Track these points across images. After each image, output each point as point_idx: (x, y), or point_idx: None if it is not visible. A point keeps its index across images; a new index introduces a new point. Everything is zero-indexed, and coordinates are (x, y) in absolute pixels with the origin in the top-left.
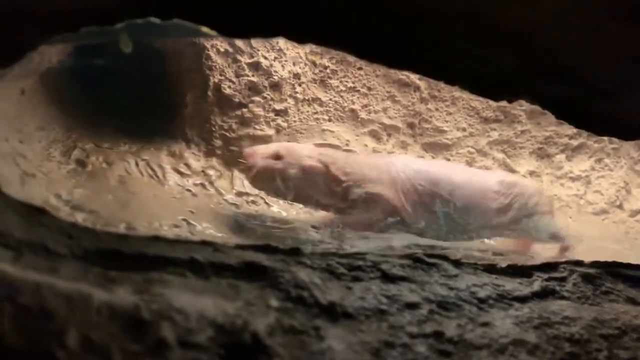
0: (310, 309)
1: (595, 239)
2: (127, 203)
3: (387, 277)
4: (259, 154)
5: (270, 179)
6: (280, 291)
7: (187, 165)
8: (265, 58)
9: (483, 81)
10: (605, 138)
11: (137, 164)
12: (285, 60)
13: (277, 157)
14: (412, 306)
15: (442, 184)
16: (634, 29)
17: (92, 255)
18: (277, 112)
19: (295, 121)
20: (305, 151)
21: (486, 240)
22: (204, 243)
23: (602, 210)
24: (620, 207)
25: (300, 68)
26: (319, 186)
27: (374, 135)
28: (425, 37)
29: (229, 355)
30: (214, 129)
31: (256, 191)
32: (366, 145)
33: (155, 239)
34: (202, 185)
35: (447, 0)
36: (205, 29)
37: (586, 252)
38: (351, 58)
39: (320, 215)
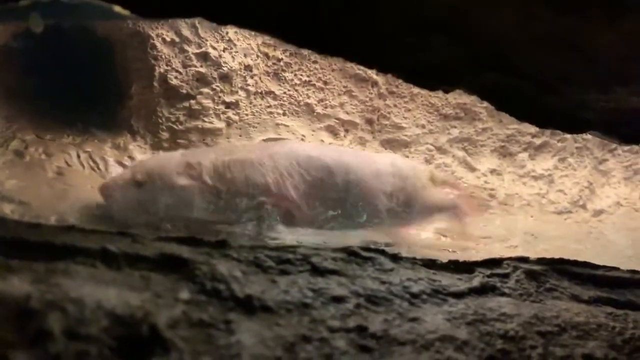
0: (225, 302)
1: (556, 238)
2: (62, 195)
3: (317, 271)
4: (116, 185)
5: (139, 211)
6: (195, 284)
7: (132, 158)
8: (214, 48)
9: (417, 70)
10: (569, 137)
11: (78, 156)
12: (236, 52)
13: (138, 184)
14: (338, 300)
15: (334, 171)
16: (569, 17)
17: None
18: (228, 105)
19: (247, 114)
20: (169, 166)
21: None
22: (122, 234)
23: (565, 209)
24: (583, 207)
25: (252, 60)
26: (196, 204)
27: (331, 130)
28: (356, 22)
29: (122, 348)
30: (160, 121)
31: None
32: (322, 141)
33: (69, 228)
34: None
35: None
36: (118, 9)
37: (546, 251)
38: (306, 51)
39: None
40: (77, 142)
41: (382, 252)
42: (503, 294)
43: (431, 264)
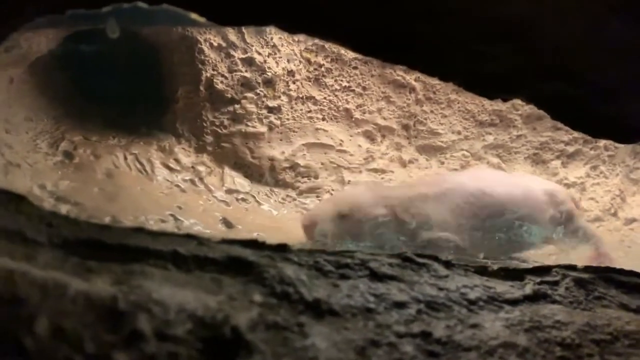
0: (295, 305)
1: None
2: (113, 196)
3: (376, 276)
4: (320, 221)
5: (341, 239)
6: (265, 287)
7: (177, 161)
8: (259, 54)
9: (478, 78)
10: (601, 145)
11: (125, 158)
12: (280, 57)
13: (342, 217)
14: (400, 305)
15: (503, 205)
16: (637, 26)
17: (72, 244)
18: (270, 109)
19: (288, 119)
20: (367, 200)
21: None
22: (188, 236)
23: (597, 217)
24: (614, 215)
25: (294, 65)
26: (387, 234)
27: (368, 135)
28: (421, 32)
29: (208, 349)
30: (205, 125)
31: (247, 189)
32: (360, 146)
33: (138, 230)
34: (192, 181)
35: None
36: (194, 16)
37: (581, 260)
38: (346, 57)
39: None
40: (123, 144)
41: (435, 259)
42: (555, 302)
43: (483, 270)
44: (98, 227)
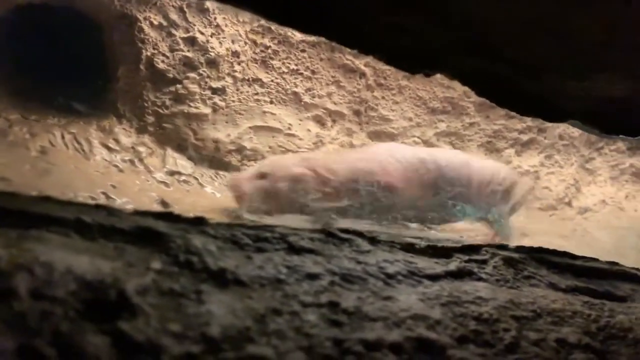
0: (197, 274)
1: (541, 233)
2: (44, 173)
3: (293, 249)
4: (243, 180)
5: (262, 200)
6: (169, 256)
7: (116, 141)
8: (202, 33)
9: (398, 52)
10: (556, 134)
11: (63, 137)
12: (224, 37)
13: (262, 176)
14: (312, 277)
15: (427, 159)
16: (564, 4)
17: None
18: (214, 91)
19: (234, 101)
20: (289, 161)
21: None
22: (98, 207)
23: (550, 206)
24: (569, 204)
25: (239, 46)
26: (310, 192)
27: (318, 120)
28: (341, 2)
29: (88, 311)
30: (146, 105)
31: (189, 171)
32: (309, 130)
33: (45, 199)
34: (131, 161)
35: None
36: None
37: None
38: (294, 39)
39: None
40: (62, 124)
41: (360, 234)
42: (480, 279)
43: (409, 247)
44: (3, 194)
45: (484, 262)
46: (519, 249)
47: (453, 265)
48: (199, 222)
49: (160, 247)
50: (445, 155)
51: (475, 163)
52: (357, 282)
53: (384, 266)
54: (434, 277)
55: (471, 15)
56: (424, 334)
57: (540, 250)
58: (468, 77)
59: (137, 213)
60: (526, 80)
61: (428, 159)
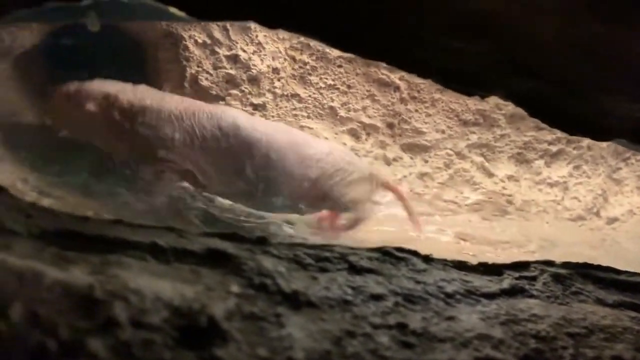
0: (273, 296)
1: (571, 244)
2: (97, 191)
3: (354, 269)
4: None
5: (67, 116)
6: (243, 278)
7: None
8: (244, 51)
9: (455, 75)
10: (584, 145)
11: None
12: (265, 55)
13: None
14: (377, 297)
15: (256, 147)
16: (611, 27)
17: (50, 235)
18: (255, 107)
19: (273, 116)
20: (90, 90)
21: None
22: (168, 229)
23: (579, 216)
24: (597, 214)
25: (279, 63)
26: (98, 133)
27: (353, 133)
28: (398, 28)
29: (184, 338)
30: None
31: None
32: (345, 143)
33: (117, 222)
34: None
35: None
36: (173, 10)
37: (562, 257)
38: (331, 55)
39: None
40: None
41: (415, 253)
42: (532, 296)
43: (461, 265)
44: (77, 218)
45: (534, 278)
46: (566, 264)
47: (506, 282)
48: (262, 242)
49: (233, 269)
50: (283, 144)
51: (317, 152)
52: (419, 302)
53: (442, 285)
54: (490, 296)
55: (533, 40)
56: (491, 354)
57: (586, 265)
58: (521, 98)
59: (205, 234)
60: (576, 101)
61: (259, 146)
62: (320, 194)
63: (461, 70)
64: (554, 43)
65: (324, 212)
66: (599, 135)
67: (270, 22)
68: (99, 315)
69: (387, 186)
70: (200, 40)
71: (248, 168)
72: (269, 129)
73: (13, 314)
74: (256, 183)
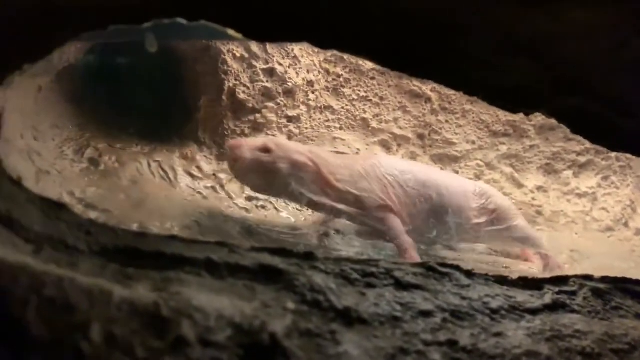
0: (326, 313)
1: (601, 255)
2: (139, 203)
3: (400, 285)
4: (246, 146)
5: (258, 173)
6: (296, 294)
7: (199, 168)
8: (280, 65)
9: (501, 92)
10: (613, 156)
11: (149, 165)
12: (300, 68)
13: (266, 150)
14: (425, 314)
15: (428, 184)
16: None
17: (110, 252)
18: (290, 119)
19: (307, 128)
20: (294, 147)
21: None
22: (220, 244)
23: (608, 227)
24: (626, 225)
25: (314, 76)
26: (307, 183)
27: (384, 144)
28: (445, 46)
29: (248, 355)
30: (226, 133)
31: (266, 196)
32: (376, 154)
33: (172, 238)
34: (213, 188)
35: (467, 10)
36: (231, 32)
37: (592, 269)
38: (364, 68)
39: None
40: (147, 152)
41: (457, 268)
42: (573, 311)
43: (502, 280)
44: (133, 234)
45: (574, 293)
46: (604, 279)
47: (547, 297)
48: (309, 257)
49: (286, 285)
50: (446, 181)
51: (471, 186)
52: (467, 318)
53: (487, 301)
54: (534, 311)
55: (581, 59)
56: None
57: (624, 280)
58: (563, 115)
59: (254, 249)
60: (619, 118)
61: (430, 185)
62: (484, 228)
63: (505, 87)
64: (599, 63)
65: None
66: None
67: (324, 44)
68: (169, 335)
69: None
70: (238, 54)
71: (427, 206)
72: (425, 170)
73: (94, 335)
74: (435, 219)
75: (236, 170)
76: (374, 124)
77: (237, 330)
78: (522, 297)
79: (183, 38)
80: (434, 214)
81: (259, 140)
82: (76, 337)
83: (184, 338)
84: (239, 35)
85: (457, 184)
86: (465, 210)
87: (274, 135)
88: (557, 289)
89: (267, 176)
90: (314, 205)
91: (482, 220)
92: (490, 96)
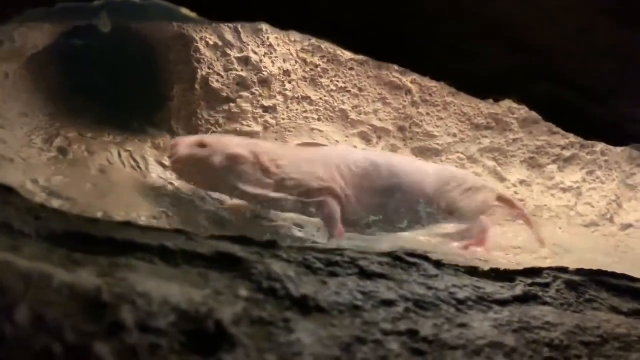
0: (282, 301)
1: (584, 250)
2: (106, 192)
3: (365, 274)
4: (183, 143)
5: (193, 168)
6: (252, 282)
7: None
8: (255, 53)
9: (469, 78)
10: (598, 150)
11: (119, 155)
12: (276, 57)
13: (202, 145)
14: (388, 303)
15: (381, 170)
16: (627, 29)
17: (59, 237)
18: (266, 109)
19: (283, 119)
20: (233, 141)
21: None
22: (177, 232)
23: (593, 222)
24: (610, 220)
25: (290, 65)
26: (246, 176)
27: (364, 137)
28: (414, 31)
29: (191, 342)
30: (200, 123)
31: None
32: (355, 147)
33: (126, 224)
34: None
35: None
36: (185, 11)
37: (575, 263)
38: (342, 58)
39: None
40: (118, 141)
41: (426, 258)
42: (545, 303)
43: (473, 271)
44: (86, 220)
45: (547, 285)
46: (579, 271)
47: (518, 289)
48: (271, 246)
49: (242, 273)
50: (400, 160)
51: (430, 168)
52: (431, 308)
53: (454, 292)
54: (503, 302)
55: (549, 44)
56: None
57: (599, 272)
58: (535, 102)
59: (214, 237)
60: (592, 106)
61: (382, 164)
62: (438, 205)
63: (474, 73)
64: (566, 47)
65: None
66: (615, 140)
67: (282, 24)
68: (106, 319)
69: (502, 200)
70: (211, 42)
71: (377, 186)
72: (381, 154)
73: (18, 317)
74: (385, 202)
75: (174, 167)
76: (353, 115)
77: (181, 316)
78: (492, 288)
79: (138, 18)
80: (385, 195)
81: (197, 137)
82: None
83: (121, 323)
84: (192, 15)
85: (415, 167)
86: (420, 193)
87: (248, 126)
88: (529, 281)
89: (203, 171)
90: (250, 198)
91: (440, 203)
92: (459, 82)
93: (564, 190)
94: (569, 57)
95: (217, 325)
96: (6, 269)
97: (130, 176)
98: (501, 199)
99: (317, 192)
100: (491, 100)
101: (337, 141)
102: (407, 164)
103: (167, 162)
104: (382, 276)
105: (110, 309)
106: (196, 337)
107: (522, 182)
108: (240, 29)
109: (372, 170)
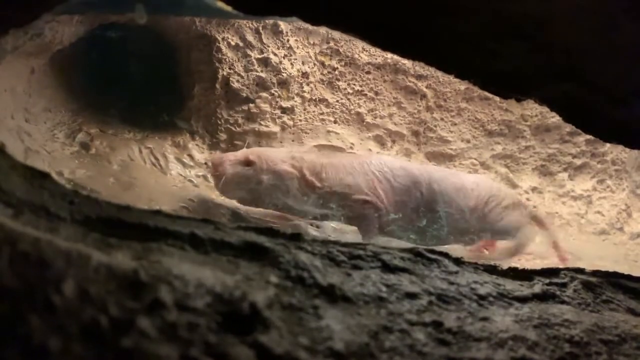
0: (310, 289)
1: (594, 258)
2: (128, 187)
3: (388, 268)
4: (228, 161)
5: (242, 187)
6: (280, 270)
7: (190, 157)
8: (275, 55)
9: (493, 77)
10: (609, 159)
11: (140, 151)
12: (295, 59)
13: (248, 163)
14: (411, 296)
15: (420, 180)
16: None
17: (93, 221)
18: (284, 110)
19: (300, 120)
20: (278, 156)
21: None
22: (205, 221)
23: (603, 230)
24: (620, 229)
25: (309, 67)
26: (292, 192)
27: (379, 140)
28: (439, 29)
29: (226, 323)
30: (219, 122)
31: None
32: (370, 150)
33: (156, 212)
34: (204, 177)
35: None
36: (220, 4)
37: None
38: (360, 62)
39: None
40: (139, 138)
41: (446, 255)
42: (563, 302)
43: (492, 269)
44: (117, 206)
45: (564, 285)
46: (595, 273)
47: (537, 287)
48: (295, 238)
49: (271, 262)
50: (440, 176)
51: (469, 183)
52: (453, 302)
53: (475, 287)
54: (522, 299)
55: (571, 43)
56: (527, 355)
57: (616, 275)
58: (556, 103)
59: (240, 228)
60: (612, 107)
61: (422, 181)
62: (478, 222)
63: (497, 72)
64: (588, 47)
65: (482, 242)
66: (633, 142)
67: (315, 19)
68: (146, 297)
69: (535, 219)
70: (233, 43)
71: (417, 203)
72: (422, 168)
73: (67, 290)
74: (423, 218)
75: (221, 187)
76: (368, 118)
77: (217, 298)
78: (512, 285)
79: (173, 12)
80: (423, 212)
81: (240, 153)
82: (48, 290)
83: (160, 301)
84: (228, 8)
85: (454, 184)
86: (459, 212)
87: (266, 127)
88: (547, 280)
89: (251, 189)
90: (296, 212)
91: (478, 216)
92: (483, 80)
93: (575, 198)
94: (590, 58)
95: (252, 308)
96: (48, 246)
97: (150, 172)
98: (535, 218)
99: (359, 204)
100: (513, 100)
101: (352, 143)
102: (447, 181)
103: (210, 179)
104: (404, 270)
105: (149, 289)
106: (231, 318)
107: (533, 189)
108: (261, 31)
109: (412, 187)
